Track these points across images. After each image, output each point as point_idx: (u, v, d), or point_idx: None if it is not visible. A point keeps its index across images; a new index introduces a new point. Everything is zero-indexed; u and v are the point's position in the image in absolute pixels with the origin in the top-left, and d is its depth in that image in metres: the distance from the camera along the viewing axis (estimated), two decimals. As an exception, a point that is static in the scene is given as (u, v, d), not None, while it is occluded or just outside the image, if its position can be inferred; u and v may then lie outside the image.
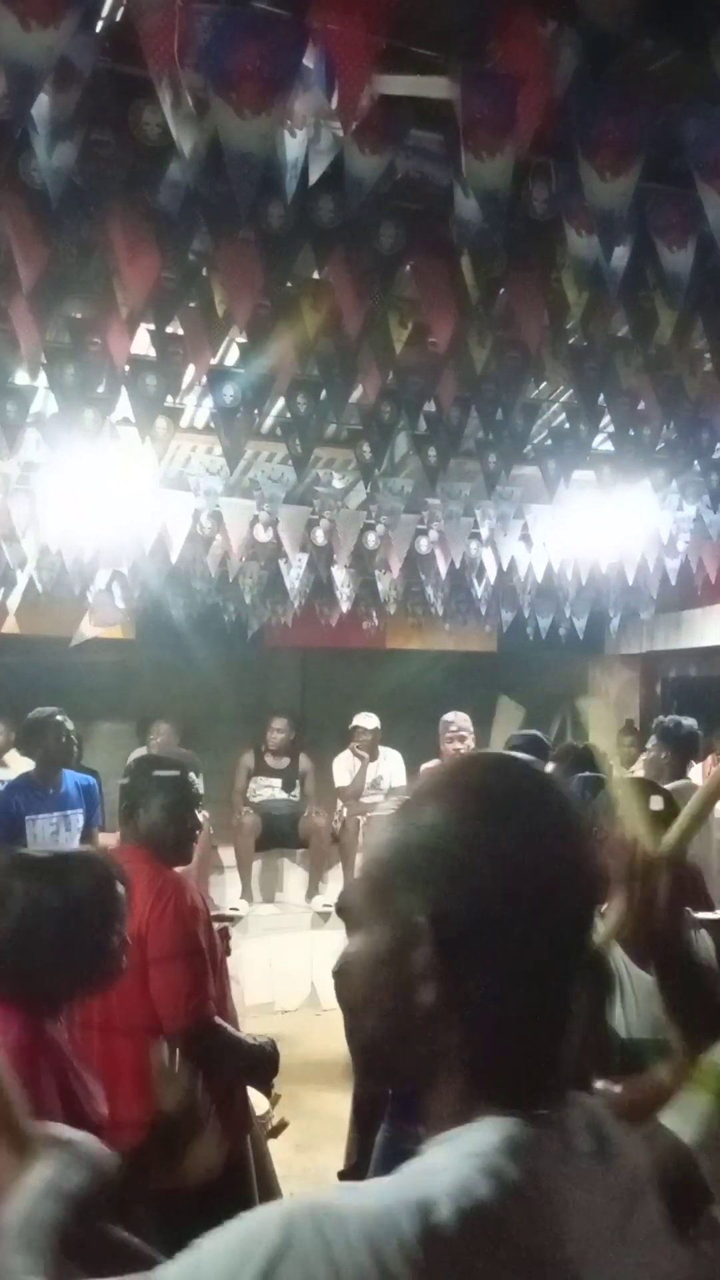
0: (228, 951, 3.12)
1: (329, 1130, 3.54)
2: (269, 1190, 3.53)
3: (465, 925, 0.88)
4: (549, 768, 3.97)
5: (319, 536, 6.44)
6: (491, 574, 7.14)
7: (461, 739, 7.10)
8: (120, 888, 2.21)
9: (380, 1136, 3.05)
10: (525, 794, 0.94)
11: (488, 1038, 0.89)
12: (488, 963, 0.88)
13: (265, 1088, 3.16)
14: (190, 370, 4.11)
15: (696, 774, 7.95)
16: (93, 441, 4.39)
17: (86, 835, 5.54)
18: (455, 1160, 0.84)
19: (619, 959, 2.42)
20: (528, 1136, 0.86)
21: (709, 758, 7.99)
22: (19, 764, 7.54)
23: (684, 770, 5.38)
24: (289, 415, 4.48)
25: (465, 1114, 0.88)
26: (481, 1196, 0.80)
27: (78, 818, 5.38)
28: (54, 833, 5.23)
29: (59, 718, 5.50)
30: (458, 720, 7.25)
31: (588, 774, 3.68)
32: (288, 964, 7.55)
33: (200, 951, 2.82)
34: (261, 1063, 2.96)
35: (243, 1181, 2.90)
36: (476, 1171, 0.82)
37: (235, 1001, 3.36)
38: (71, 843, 5.11)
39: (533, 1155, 0.85)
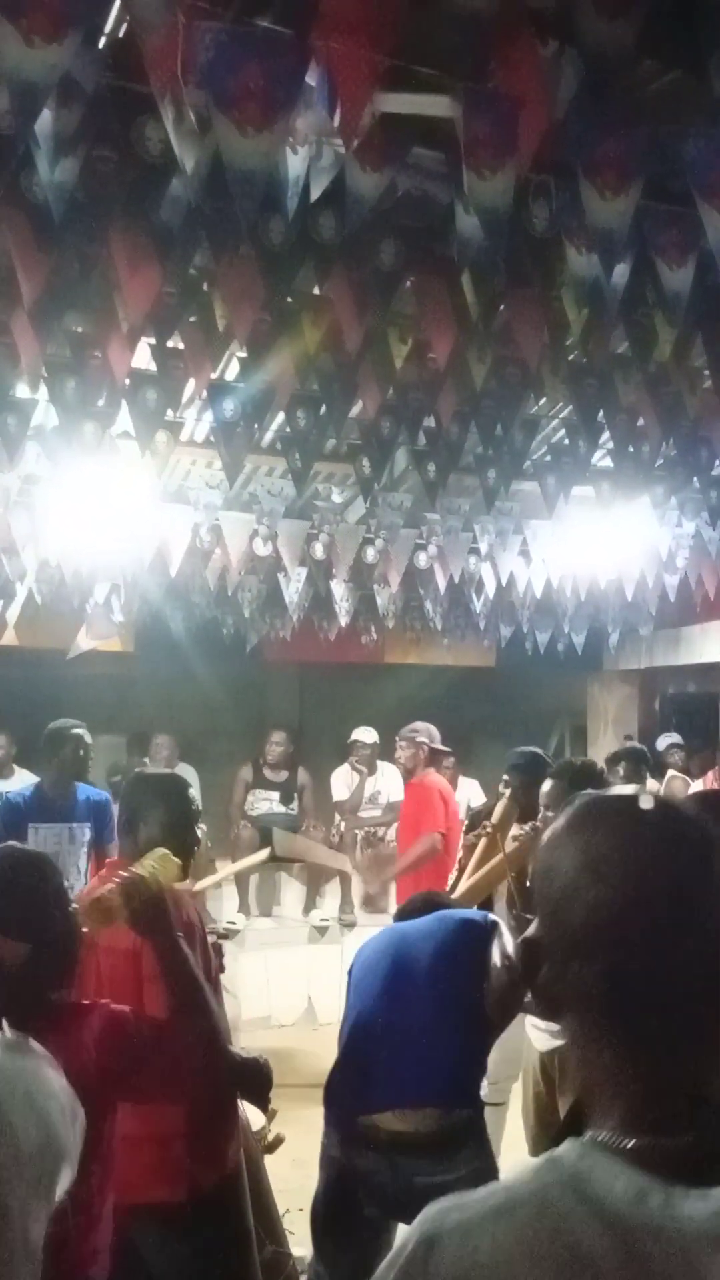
0: (221, 968, 3.11)
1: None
2: (264, 1206, 3.51)
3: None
4: (547, 785, 3.95)
5: (318, 551, 6.45)
6: (490, 589, 7.15)
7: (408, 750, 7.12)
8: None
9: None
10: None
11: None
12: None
13: (261, 1103, 3.15)
14: (190, 384, 4.12)
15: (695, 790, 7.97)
16: (93, 455, 4.39)
17: (96, 851, 5.53)
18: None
19: None
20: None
21: (709, 773, 7.99)
22: (22, 777, 7.54)
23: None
24: (289, 430, 4.49)
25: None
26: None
27: (83, 831, 5.36)
28: (57, 843, 5.21)
29: (78, 731, 5.50)
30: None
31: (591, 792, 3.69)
32: (285, 978, 7.53)
33: (194, 964, 2.81)
34: (255, 1078, 2.95)
35: (237, 1196, 2.88)
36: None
37: (232, 1016, 3.35)
38: (74, 855, 5.09)
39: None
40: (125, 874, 2.34)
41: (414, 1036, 2.99)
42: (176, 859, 2.50)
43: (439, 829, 6.46)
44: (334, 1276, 3.11)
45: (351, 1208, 3.05)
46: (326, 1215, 3.09)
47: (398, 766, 7.19)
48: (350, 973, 3.33)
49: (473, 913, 3.40)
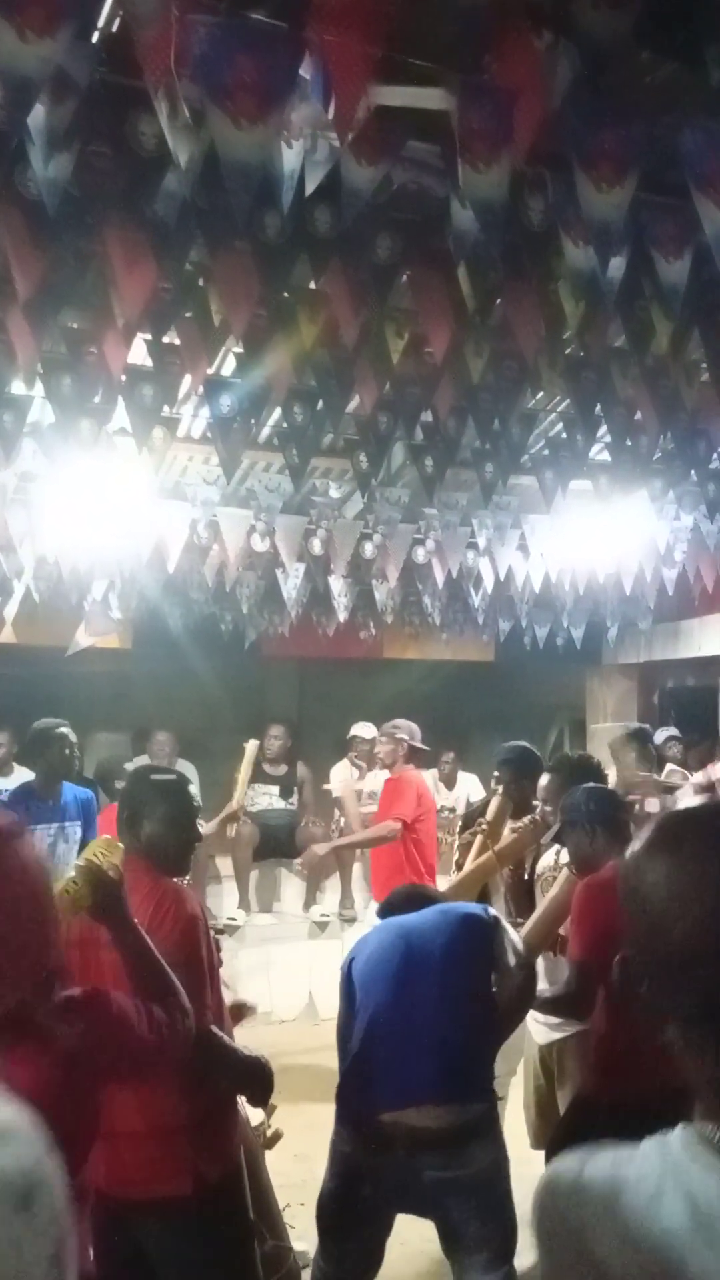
0: (219, 962, 3.11)
1: (326, 1140, 3.53)
2: (264, 1200, 3.52)
3: None
4: (545, 779, 3.95)
5: (316, 546, 6.44)
6: (489, 584, 7.14)
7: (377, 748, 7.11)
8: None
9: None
10: None
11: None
12: None
13: (261, 1102, 3.15)
14: (187, 380, 4.11)
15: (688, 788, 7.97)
16: (89, 451, 4.39)
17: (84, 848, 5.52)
18: None
19: None
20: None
21: (709, 765, 7.99)
22: (21, 775, 7.54)
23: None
24: (286, 425, 4.49)
25: None
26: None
27: (75, 830, 5.38)
28: (51, 844, 5.23)
29: (62, 730, 5.49)
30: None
31: (591, 785, 3.69)
32: (285, 974, 7.54)
33: (200, 961, 2.81)
34: (256, 1077, 2.95)
35: (239, 1191, 2.88)
36: None
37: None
38: (67, 854, 5.09)
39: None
40: (79, 863, 2.43)
41: (429, 1033, 2.99)
42: (120, 844, 2.57)
43: (405, 818, 6.44)
44: (339, 1271, 3.11)
45: (361, 1202, 3.05)
46: (335, 1210, 3.09)
47: (378, 762, 7.16)
48: (348, 969, 3.31)
49: (474, 907, 3.39)
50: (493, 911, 3.35)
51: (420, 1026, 3.00)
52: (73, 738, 5.58)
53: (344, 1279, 3.11)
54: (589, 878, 3.33)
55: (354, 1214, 3.07)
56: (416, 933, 3.23)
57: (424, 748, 6.90)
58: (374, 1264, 3.13)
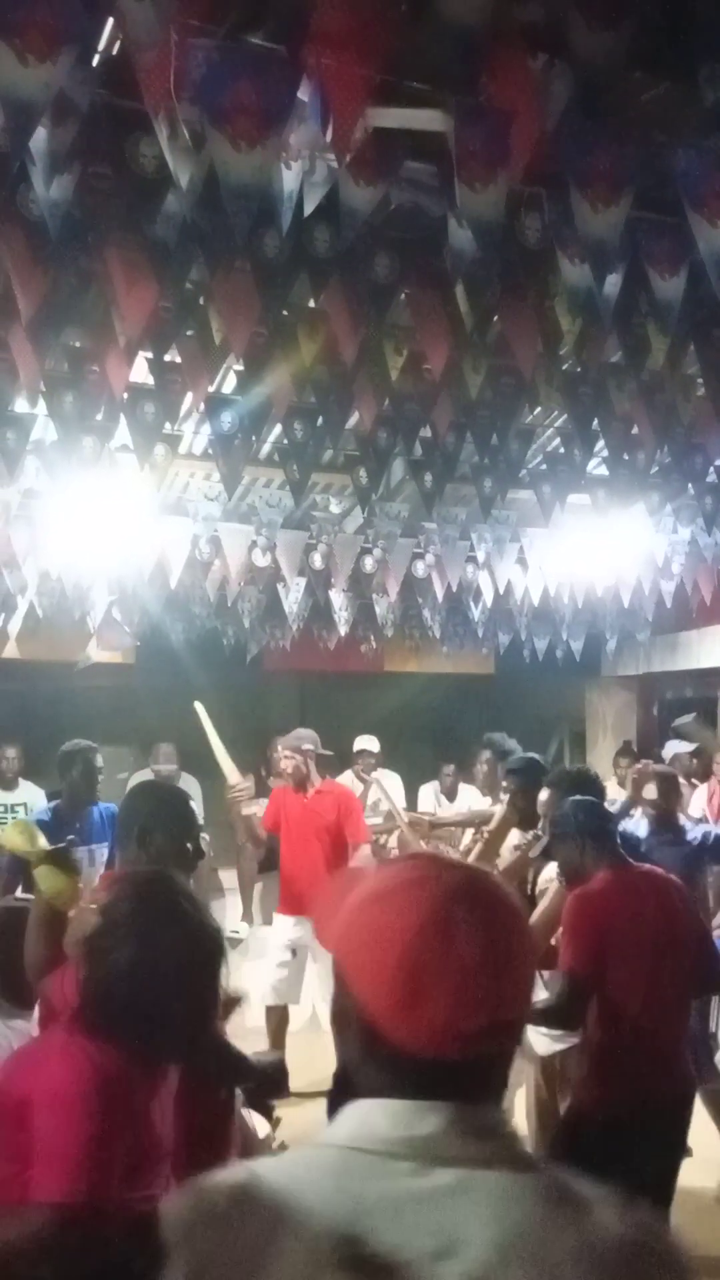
0: None
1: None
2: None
3: None
4: (544, 794, 3.96)
5: (317, 561, 6.47)
6: (488, 597, 7.17)
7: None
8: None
9: None
10: None
11: None
12: None
13: (266, 1109, 3.14)
14: (188, 398, 4.14)
15: (699, 797, 7.97)
16: (92, 469, 4.42)
17: (111, 866, 5.42)
18: None
19: None
20: None
21: (711, 779, 7.98)
22: (26, 790, 7.55)
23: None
24: (286, 441, 4.51)
25: None
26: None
27: (103, 851, 5.25)
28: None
29: (91, 751, 5.43)
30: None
31: (579, 797, 3.69)
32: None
33: None
34: (267, 1080, 2.95)
35: None
36: None
37: (236, 1023, 3.35)
38: (94, 876, 4.98)
39: None
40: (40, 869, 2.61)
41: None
42: (63, 873, 2.70)
43: (366, 840, 6.21)
44: None
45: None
46: None
47: (284, 778, 6.54)
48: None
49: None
50: None
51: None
52: (98, 760, 5.50)
53: None
54: (579, 889, 3.33)
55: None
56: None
57: (326, 752, 6.63)
58: None
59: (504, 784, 4.83)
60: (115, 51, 2.68)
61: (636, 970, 3.17)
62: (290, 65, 2.48)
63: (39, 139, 2.55)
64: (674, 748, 8.41)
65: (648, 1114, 3.11)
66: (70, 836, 5.18)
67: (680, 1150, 3.29)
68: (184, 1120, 2.30)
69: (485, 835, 4.58)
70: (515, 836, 4.53)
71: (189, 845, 3.03)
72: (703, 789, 7.94)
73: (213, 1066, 2.73)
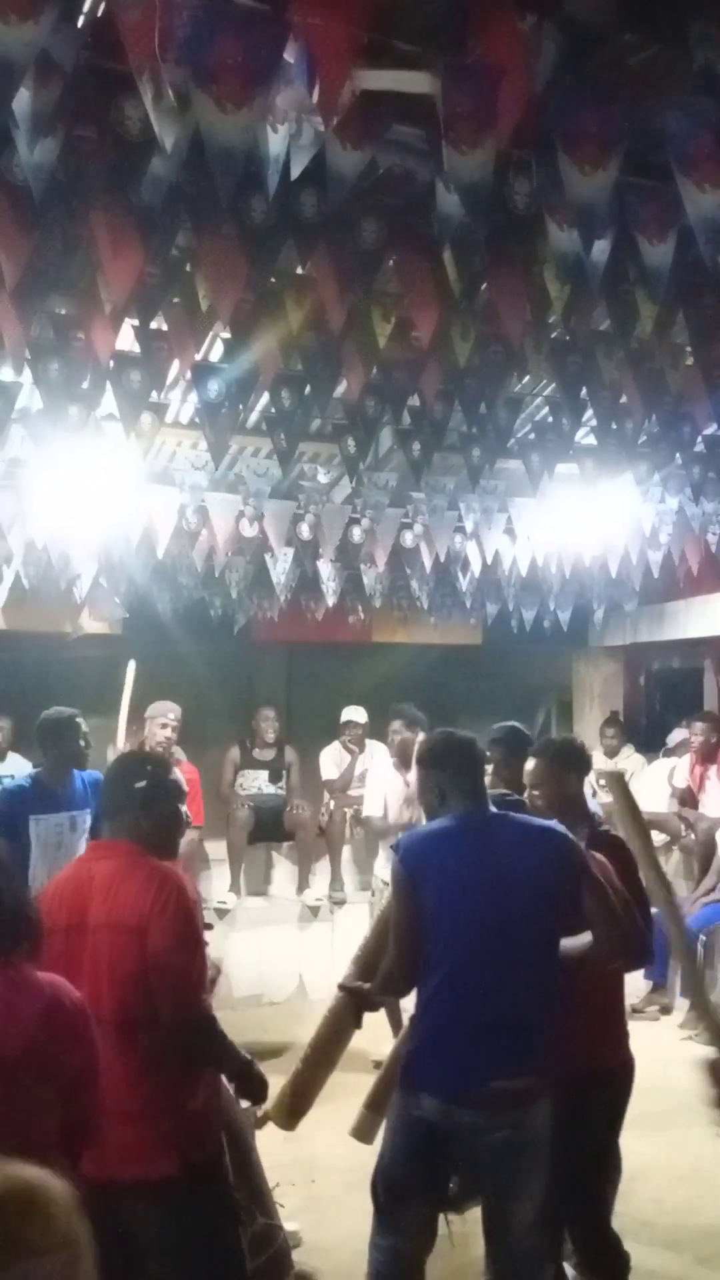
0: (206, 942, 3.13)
1: (317, 1119, 3.57)
2: (254, 1180, 3.55)
3: None
4: (531, 763, 3.97)
5: (304, 531, 6.45)
6: (476, 567, 7.16)
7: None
8: None
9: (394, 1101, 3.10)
10: None
11: None
12: None
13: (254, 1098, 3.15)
14: (175, 365, 4.12)
15: (681, 769, 8.00)
16: (77, 437, 4.39)
17: (95, 832, 5.45)
18: None
19: None
20: None
21: (687, 755, 8.02)
22: (14, 762, 7.54)
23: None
24: (273, 410, 4.49)
25: None
26: None
27: (84, 818, 5.26)
28: (58, 833, 5.14)
29: (77, 720, 5.43)
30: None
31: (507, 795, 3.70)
32: (276, 957, 7.57)
33: (202, 943, 2.84)
34: (246, 1074, 2.97)
35: (223, 1170, 2.90)
36: None
37: (224, 994, 3.36)
38: (78, 843, 4.99)
39: None
40: None
41: (523, 999, 2.93)
42: None
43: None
44: (403, 1242, 3.06)
45: (429, 1168, 3.03)
46: (405, 1177, 3.03)
47: (163, 750, 6.89)
48: (412, 872, 3.04)
49: (556, 828, 3.16)
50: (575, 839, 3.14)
51: (512, 990, 2.91)
52: (85, 727, 5.51)
53: (410, 1250, 3.06)
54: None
55: (421, 1181, 3.03)
56: (503, 851, 3.04)
57: None
58: (432, 1235, 3.10)
59: (487, 754, 4.83)
60: (100, 12, 2.64)
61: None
62: (276, 24, 2.46)
63: (22, 101, 2.52)
64: (679, 735, 8.40)
65: (587, 1081, 3.19)
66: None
67: (622, 1113, 3.37)
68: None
69: None
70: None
71: (173, 816, 3.03)
72: (683, 762, 7.99)
73: (194, 1039, 2.76)
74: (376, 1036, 4.13)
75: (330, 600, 7.50)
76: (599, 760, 7.76)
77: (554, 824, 3.17)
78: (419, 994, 3.06)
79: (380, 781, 6.91)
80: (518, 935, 2.95)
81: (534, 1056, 2.95)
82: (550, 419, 5.14)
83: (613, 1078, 3.35)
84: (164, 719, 7.05)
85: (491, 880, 2.98)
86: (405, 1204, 3.06)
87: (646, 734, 9.47)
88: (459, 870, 3.00)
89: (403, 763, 6.47)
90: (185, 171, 2.83)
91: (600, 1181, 3.35)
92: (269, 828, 7.96)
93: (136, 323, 3.84)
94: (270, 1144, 3.76)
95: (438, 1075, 2.97)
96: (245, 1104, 3.51)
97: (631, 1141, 3.46)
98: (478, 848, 3.05)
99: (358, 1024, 3.39)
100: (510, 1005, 2.93)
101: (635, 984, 6.57)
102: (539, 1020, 2.96)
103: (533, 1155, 2.92)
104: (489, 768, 4.74)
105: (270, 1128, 3.55)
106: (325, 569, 7.11)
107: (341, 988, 3.35)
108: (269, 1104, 3.32)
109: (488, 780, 4.51)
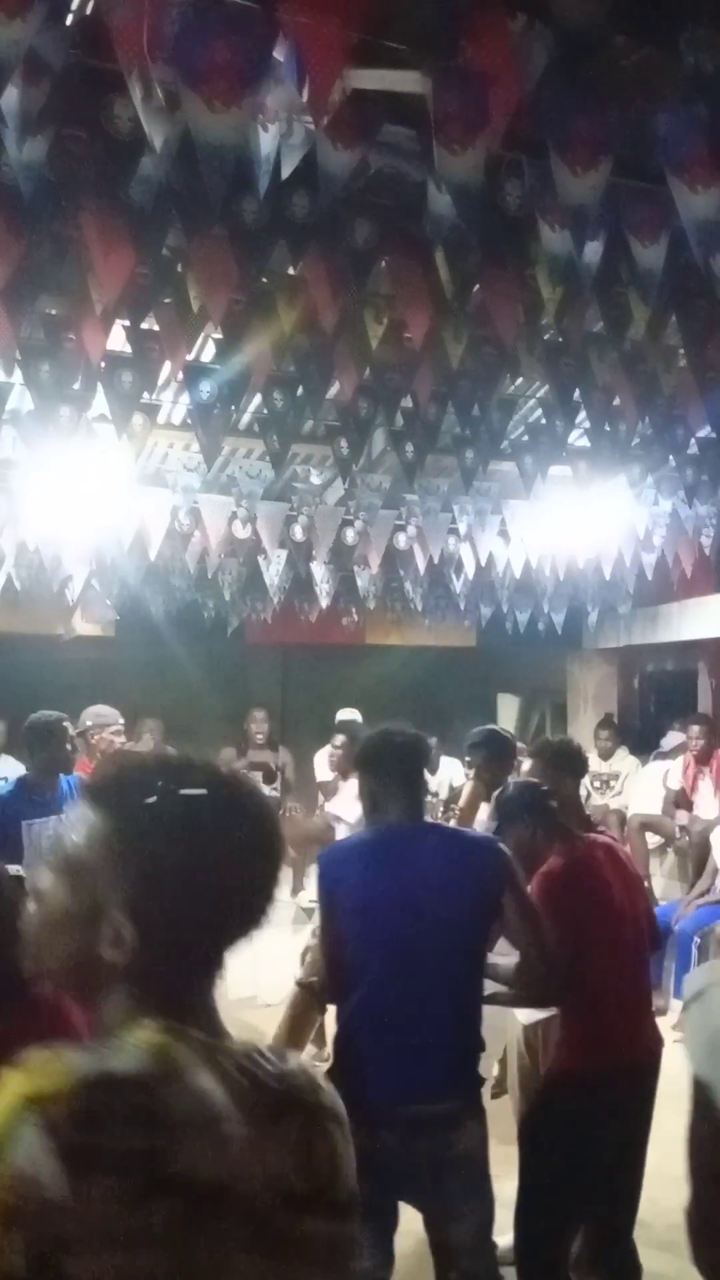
0: None
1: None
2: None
3: None
4: (526, 764, 3.96)
5: (297, 533, 6.44)
6: (470, 569, 7.16)
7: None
8: None
9: None
10: None
11: None
12: None
13: None
14: (166, 366, 4.10)
15: (675, 771, 8.00)
16: (69, 438, 4.37)
17: None
18: None
19: None
20: None
21: (681, 756, 8.03)
22: (6, 764, 7.52)
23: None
24: (266, 411, 4.48)
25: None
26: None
27: None
28: (50, 836, 5.14)
29: (65, 723, 5.41)
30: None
31: (521, 780, 3.67)
32: (271, 958, 7.53)
33: None
34: None
35: None
36: None
37: (219, 995, 3.34)
38: None
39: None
40: None
41: (444, 1015, 2.81)
42: None
43: None
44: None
45: (374, 1191, 2.97)
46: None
47: (94, 758, 6.73)
48: (331, 882, 3.00)
49: (485, 837, 3.11)
50: (503, 848, 3.01)
51: (433, 1004, 2.79)
52: (72, 731, 5.50)
53: (367, 1271, 3.00)
54: (542, 870, 3.30)
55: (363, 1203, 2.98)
56: (423, 865, 2.89)
57: None
58: (389, 1259, 3.04)
59: (467, 759, 4.83)
60: (89, 10, 2.64)
61: (604, 938, 3.18)
62: (266, 24, 2.44)
63: (10, 99, 2.51)
64: (674, 739, 8.41)
65: (621, 1076, 3.15)
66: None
67: (650, 1109, 3.32)
68: None
69: (457, 811, 4.59)
70: (485, 810, 4.53)
71: None
72: (677, 764, 7.99)
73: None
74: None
75: (324, 602, 7.49)
76: (593, 762, 7.77)
77: (489, 837, 3.10)
78: (338, 1012, 2.97)
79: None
80: (437, 952, 2.81)
81: (457, 1079, 2.84)
82: (544, 421, 5.13)
83: (643, 1073, 3.29)
84: (115, 725, 6.64)
85: (409, 895, 2.83)
86: None
87: (640, 736, 9.47)
88: (375, 884, 2.87)
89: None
90: (175, 171, 2.82)
91: (630, 1182, 3.28)
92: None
93: (127, 323, 3.82)
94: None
95: (358, 1098, 2.88)
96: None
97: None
98: (397, 861, 2.90)
99: (321, 1010, 3.31)
100: (431, 1025, 2.80)
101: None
102: (463, 1040, 2.86)
103: (466, 1175, 2.84)
104: (469, 772, 4.74)
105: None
106: (319, 571, 7.11)
107: (299, 984, 3.31)
108: None
109: (487, 780, 4.52)
